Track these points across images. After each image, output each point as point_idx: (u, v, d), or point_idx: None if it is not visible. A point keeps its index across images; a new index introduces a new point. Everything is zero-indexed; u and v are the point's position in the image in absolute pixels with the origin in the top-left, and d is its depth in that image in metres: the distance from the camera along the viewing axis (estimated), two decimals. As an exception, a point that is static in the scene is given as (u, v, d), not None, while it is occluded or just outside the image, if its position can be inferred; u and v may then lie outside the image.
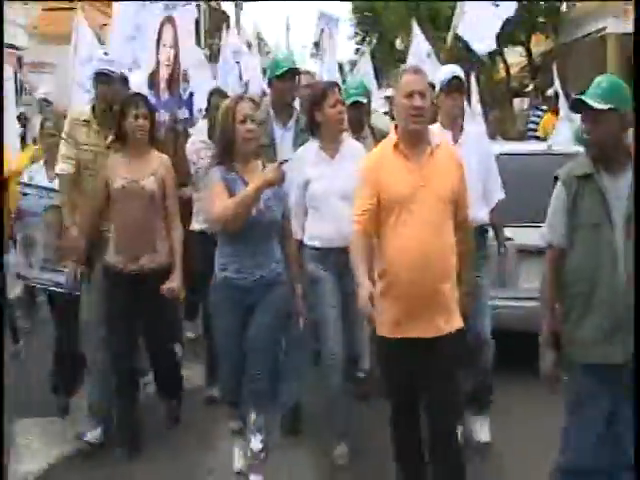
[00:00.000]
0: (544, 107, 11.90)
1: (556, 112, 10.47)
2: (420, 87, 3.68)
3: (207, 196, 4.27)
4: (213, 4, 36.51)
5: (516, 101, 22.07)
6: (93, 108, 4.93)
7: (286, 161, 4.10)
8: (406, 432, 3.89)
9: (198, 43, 14.80)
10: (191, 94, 7.27)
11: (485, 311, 4.61)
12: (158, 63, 6.99)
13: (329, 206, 4.56)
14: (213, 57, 16.78)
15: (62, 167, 4.84)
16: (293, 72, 5.16)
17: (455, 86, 4.60)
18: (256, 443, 4.03)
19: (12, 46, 13.24)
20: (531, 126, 11.83)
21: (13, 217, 5.26)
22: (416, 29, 9.98)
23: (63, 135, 4.88)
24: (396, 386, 3.83)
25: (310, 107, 4.67)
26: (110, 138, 4.88)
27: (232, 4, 32.03)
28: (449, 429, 3.80)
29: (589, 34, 19.76)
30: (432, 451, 3.82)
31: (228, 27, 13.84)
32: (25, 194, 5.22)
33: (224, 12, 36.23)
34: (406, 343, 3.68)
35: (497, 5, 8.72)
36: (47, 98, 9.25)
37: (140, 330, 4.85)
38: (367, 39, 35.60)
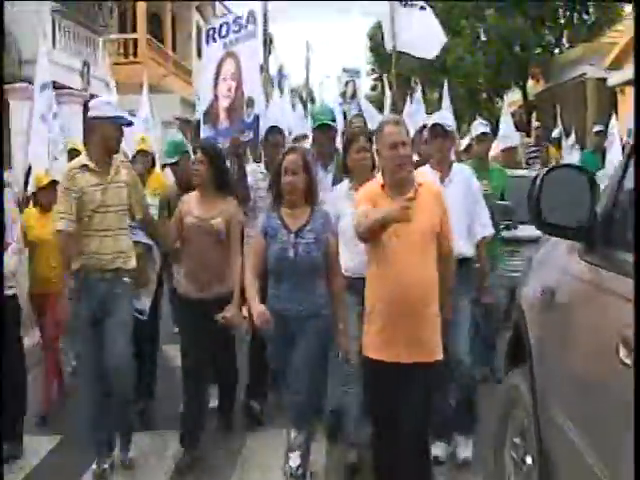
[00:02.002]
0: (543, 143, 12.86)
1: (559, 147, 12.46)
2: (403, 138, 3.71)
3: (253, 240, 4.45)
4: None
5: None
6: (88, 152, 4.71)
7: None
8: (386, 452, 3.79)
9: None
10: (256, 116, 7.16)
11: (461, 333, 4.47)
12: (216, 97, 6.95)
13: (353, 240, 4.34)
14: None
15: (61, 224, 4.53)
16: (328, 125, 5.44)
17: (438, 132, 4.66)
18: (295, 460, 4.09)
19: (95, 96, 15.49)
20: (532, 158, 12.60)
21: None
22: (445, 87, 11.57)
23: (60, 190, 4.63)
24: (379, 411, 3.80)
25: (343, 151, 4.82)
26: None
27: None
28: (417, 458, 3.76)
29: (573, 78, 21.92)
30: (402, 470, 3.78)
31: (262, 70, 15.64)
32: None
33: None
34: (389, 367, 3.65)
35: (423, 8, 9.09)
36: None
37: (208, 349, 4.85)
38: (385, 76, 37.72)
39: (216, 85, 7.01)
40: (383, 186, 3.77)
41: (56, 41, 15.57)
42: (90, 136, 4.64)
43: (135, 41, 22.71)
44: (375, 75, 38.98)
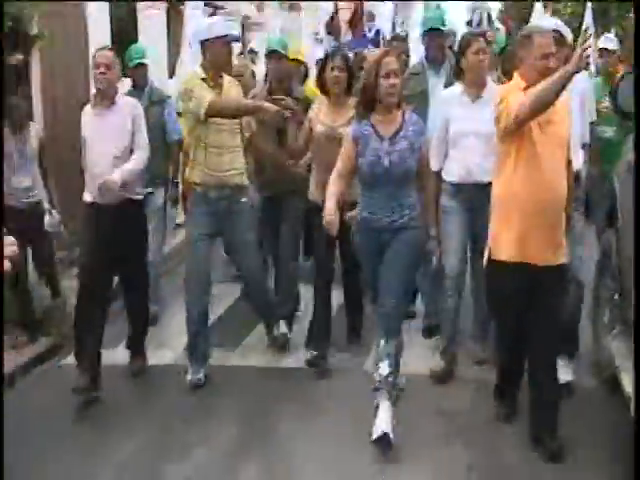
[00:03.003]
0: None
1: None
2: (552, 50, 3.66)
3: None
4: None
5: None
6: (203, 69, 4.71)
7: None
8: (511, 357, 3.90)
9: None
10: (377, 31, 7.02)
11: (576, 251, 4.27)
12: (337, 9, 7.12)
13: (464, 145, 4.48)
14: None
15: (209, 97, 4.53)
16: (439, 29, 5.27)
17: (556, 41, 4.25)
18: (384, 369, 3.85)
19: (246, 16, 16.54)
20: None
21: None
22: None
23: (190, 89, 4.61)
24: (507, 312, 3.80)
25: (458, 55, 4.67)
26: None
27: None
28: (549, 360, 3.78)
29: None
30: (532, 377, 3.82)
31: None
32: None
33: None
34: (524, 268, 3.66)
35: None
36: (253, 49, 10.02)
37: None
38: None
39: None
40: (526, 89, 3.66)
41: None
42: (203, 58, 4.77)
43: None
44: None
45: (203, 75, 4.67)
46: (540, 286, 3.68)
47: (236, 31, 5.11)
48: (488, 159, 4.22)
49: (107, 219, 4.42)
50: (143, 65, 5.85)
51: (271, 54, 5.42)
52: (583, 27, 11.11)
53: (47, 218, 5.25)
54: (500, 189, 3.73)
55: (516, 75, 3.78)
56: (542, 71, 3.59)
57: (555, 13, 18.65)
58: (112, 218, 4.42)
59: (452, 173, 4.54)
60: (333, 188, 3.91)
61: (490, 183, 4.13)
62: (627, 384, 3.50)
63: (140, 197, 4.69)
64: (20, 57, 5.79)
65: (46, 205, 5.30)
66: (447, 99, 4.66)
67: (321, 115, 4.81)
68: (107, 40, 8.61)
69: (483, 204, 4.19)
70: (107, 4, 8.43)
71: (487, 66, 4.62)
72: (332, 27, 7.01)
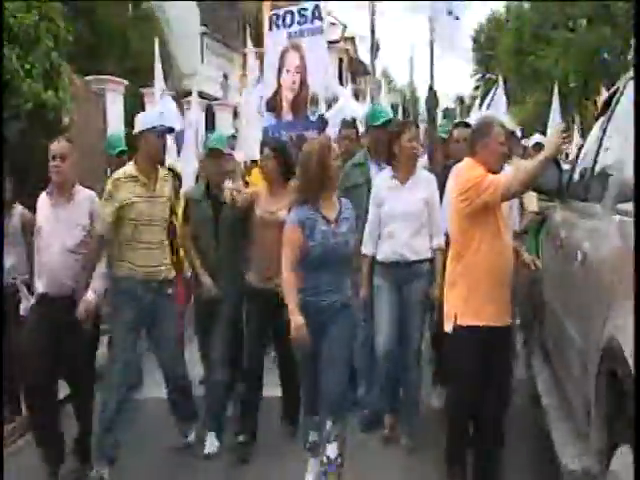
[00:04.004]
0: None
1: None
2: (505, 137, 4.06)
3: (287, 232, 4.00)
4: (352, 54, 38.26)
5: None
6: (136, 163, 4.61)
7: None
8: (464, 418, 4.06)
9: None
10: (321, 116, 6.91)
11: None
12: (280, 86, 6.75)
13: (393, 226, 4.75)
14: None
15: (103, 228, 4.46)
16: (389, 122, 5.24)
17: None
18: (333, 451, 3.97)
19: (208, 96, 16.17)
20: None
21: None
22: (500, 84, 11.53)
23: (104, 197, 4.51)
24: (473, 375, 3.93)
25: (389, 139, 4.82)
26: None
27: (367, 53, 26.59)
28: (499, 415, 4.06)
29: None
30: (481, 433, 4.08)
31: (367, 74, 16.07)
32: None
33: (361, 61, 38.38)
34: (486, 330, 3.91)
35: None
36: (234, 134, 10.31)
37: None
38: (485, 77, 38.02)
39: (280, 74, 6.75)
40: (488, 172, 3.93)
41: (204, 57, 18.25)
42: (137, 149, 4.68)
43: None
44: (478, 75, 40.78)
45: (134, 172, 4.57)
46: (499, 344, 3.97)
47: (169, 122, 5.02)
48: (414, 239, 4.73)
49: (58, 311, 4.33)
50: (124, 152, 5.92)
51: (211, 153, 5.16)
52: (550, 118, 12.10)
53: (24, 302, 4.68)
54: (468, 260, 3.97)
55: (469, 160, 4.04)
56: (500, 156, 4.01)
57: (518, 103, 19.79)
58: (64, 310, 4.30)
59: (382, 253, 4.81)
60: (292, 295, 3.91)
61: (416, 262, 4.71)
62: (543, 395, 4.18)
63: None
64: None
65: (24, 289, 4.79)
66: (378, 184, 4.89)
67: (261, 201, 4.88)
68: (121, 123, 9.87)
69: (409, 281, 4.70)
70: (122, 95, 9.66)
71: (419, 153, 5.01)
72: (274, 104, 6.77)
